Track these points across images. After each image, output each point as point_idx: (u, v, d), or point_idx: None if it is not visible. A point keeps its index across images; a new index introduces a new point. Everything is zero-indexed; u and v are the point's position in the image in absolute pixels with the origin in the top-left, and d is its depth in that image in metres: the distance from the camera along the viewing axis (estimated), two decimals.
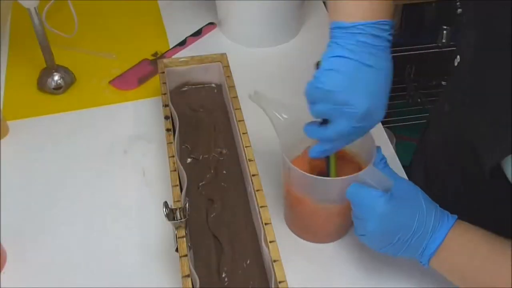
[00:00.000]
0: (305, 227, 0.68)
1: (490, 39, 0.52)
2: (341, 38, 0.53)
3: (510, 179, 0.49)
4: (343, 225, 0.68)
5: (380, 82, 0.53)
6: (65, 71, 0.89)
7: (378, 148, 0.60)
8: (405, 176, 0.75)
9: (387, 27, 0.54)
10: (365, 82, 0.52)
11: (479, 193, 0.60)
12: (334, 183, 0.59)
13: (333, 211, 0.63)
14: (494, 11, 0.50)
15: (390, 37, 0.54)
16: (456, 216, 0.57)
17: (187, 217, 0.59)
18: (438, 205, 0.57)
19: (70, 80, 0.89)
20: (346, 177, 0.58)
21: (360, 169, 0.60)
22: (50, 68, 0.88)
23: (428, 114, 1.64)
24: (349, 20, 0.53)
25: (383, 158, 0.60)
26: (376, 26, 0.53)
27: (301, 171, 0.59)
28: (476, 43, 0.55)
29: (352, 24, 0.53)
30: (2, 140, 0.81)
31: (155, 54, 0.96)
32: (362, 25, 0.52)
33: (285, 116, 0.63)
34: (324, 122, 0.55)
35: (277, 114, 0.63)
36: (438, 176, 0.71)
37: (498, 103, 0.49)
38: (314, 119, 0.57)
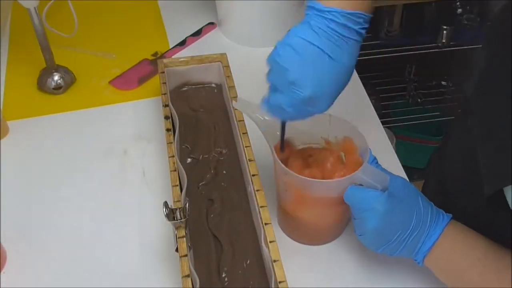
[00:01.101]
0: (301, 229, 0.68)
1: (495, 65, 0.51)
2: (313, 20, 0.53)
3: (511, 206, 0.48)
4: (339, 226, 0.68)
5: (334, 75, 0.53)
6: (65, 71, 0.89)
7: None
8: (405, 175, 0.75)
9: (361, 20, 0.53)
10: (318, 70, 0.52)
11: (487, 216, 0.59)
12: (331, 185, 0.59)
13: (330, 212, 0.63)
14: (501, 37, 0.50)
15: (363, 32, 0.54)
16: (450, 215, 0.57)
17: (187, 217, 0.59)
18: (433, 204, 0.57)
19: (70, 80, 0.89)
20: (342, 178, 0.58)
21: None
22: (50, 68, 0.88)
23: (426, 113, 1.64)
24: (325, 4, 0.52)
25: (374, 158, 0.60)
26: (351, 17, 0.52)
27: (297, 175, 0.58)
28: (484, 66, 0.54)
29: (328, 9, 0.52)
30: (2, 140, 0.81)
31: (155, 54, 0.96)
32: (337, 12, 0.52)
33: (267, 118, 0.63)
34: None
35: (261, 118, 0.63)
36: (453, 190, 0.70)
37: (500, 128, 0.48)
38: None
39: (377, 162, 0.60)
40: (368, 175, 0.57)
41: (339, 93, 0.55)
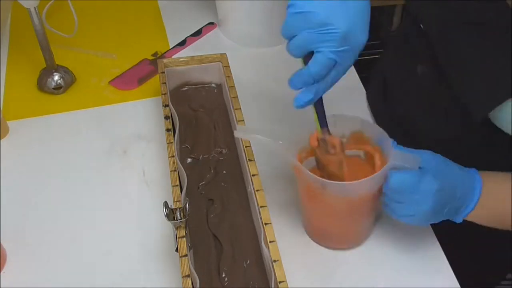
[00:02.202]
0: (329, 233, 0.67)
1: (452, 13, 0.57)
2: None
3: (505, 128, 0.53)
4: (368, 227, 0.67)
5: (359, 5, 0.53)
6: (65, 71, 0.89)
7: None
8: None
9: None
10: (344, 4, 0.52)
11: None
12: (371, 181, 0.57)
13: (360, 211, 0.63)
14: None
15: None
16: (476, 170, 0.59)
17: (187, 217, 0.59)
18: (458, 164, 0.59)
19: (70, 80, 0.89)
20: (376, 174, 0.56)
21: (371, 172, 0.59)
22: (50, 68, 0.88)
23: None
24: None
25: (393, 141, 0.59)
26: None
27: (331, 181, 0.57)
28: (440, 16, 0.59)
29: None
30: (2, 140, 0.81)
31: (155, 54, 0.97)
32: None
33: (268, 139, 0.61)
34: (305, 63, 0.54)
35: (262, 138, 0.61)
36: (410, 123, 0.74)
37: (472, 63, 0.53)
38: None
39: (397, 144, 0.59)
40: (402, 161, 0.56)
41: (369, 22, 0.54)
